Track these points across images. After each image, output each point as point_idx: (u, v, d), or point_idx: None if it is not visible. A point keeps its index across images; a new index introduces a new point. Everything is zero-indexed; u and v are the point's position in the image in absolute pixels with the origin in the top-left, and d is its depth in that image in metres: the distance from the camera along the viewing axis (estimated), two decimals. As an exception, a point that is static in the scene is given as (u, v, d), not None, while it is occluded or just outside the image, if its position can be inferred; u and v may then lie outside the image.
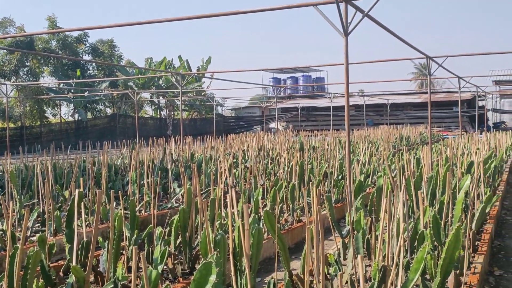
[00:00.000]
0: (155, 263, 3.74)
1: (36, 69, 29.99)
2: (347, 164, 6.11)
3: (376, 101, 36.14)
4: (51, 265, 4.02)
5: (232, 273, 3.04)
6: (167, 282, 4.09)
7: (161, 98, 36.04)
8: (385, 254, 3.51)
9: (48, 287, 3.64)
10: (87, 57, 32.52)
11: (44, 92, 30.21)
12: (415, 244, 3.97)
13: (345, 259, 4.36)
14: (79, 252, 3.95)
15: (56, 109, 32.86)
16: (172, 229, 4.47)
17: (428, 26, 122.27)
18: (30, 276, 2.99)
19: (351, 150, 8.48)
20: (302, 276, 3.59)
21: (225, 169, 6.52)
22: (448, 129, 32.77)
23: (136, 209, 5.01)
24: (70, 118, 32.89)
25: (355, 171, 6.94)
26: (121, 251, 4.11)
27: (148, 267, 3.53)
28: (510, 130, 17.19)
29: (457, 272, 3.54)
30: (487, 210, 5.29)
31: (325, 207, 5.25)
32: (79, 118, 30.77)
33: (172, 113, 36.62)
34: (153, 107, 38.79)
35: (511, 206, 7.86)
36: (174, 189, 7.56)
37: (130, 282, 3.53)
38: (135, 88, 32.61)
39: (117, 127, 30.85)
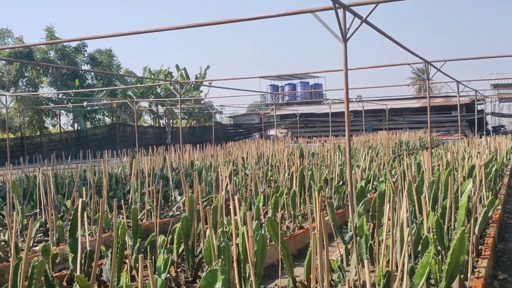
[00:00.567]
0: (158, 271, 3.74)
1: (35, 79, 30.06)
2: (348, 169, 6.11)
3: (374, 106, 36.20)
4: (54, 275, 4.01)
5: (237, 281, 3.04)
6: (171, 290, 4.08)
7: (159, 106, 36.07)
8: (389, 260, 3.51)
9: (52, 297, 3.63)
10: (85, 67, 32.60)
11: (44, 102, 30.26)
12: (419, 249, 3.97)
13: (348, 265, 4.35)
14: (82, 261, 3.94)
15: (55, 119, 32.91)
16: (175, 237, 4.47)
17: (426, 30, 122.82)
18: (35, 286, 2.98)
19: (351, 156, 8.48)
20: (306, 282, 3.58)
21: (225, 177, 6.52)
22: (448, 133, 32.81)
23: (138, 217, 5.00)
24: (70, 128, 32.94)
25: (356, 176, 6.95)
26: (124, 259, 4.10)
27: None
28: (510, 134, 17.21)
29: (462, 276, 3.53)
30: (489, 214, 5.28)
31: (326, 213, 5.25)
32: (79, 128, 30.80)
33: (171, 121, 36.65)
34: (152, 116, 38.83)
35: (513, 210, 7.85)
36: (175, 197, 7.55)
37: (134, 291, 3.51)
38: (134, 97, 32.66)
39: (116, 136, 30.85)
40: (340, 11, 5.89)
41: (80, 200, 3.76)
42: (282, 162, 8.84)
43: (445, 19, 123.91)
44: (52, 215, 5.46)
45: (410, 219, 3.87)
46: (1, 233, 5.52)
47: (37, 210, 6.47)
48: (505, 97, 35.43)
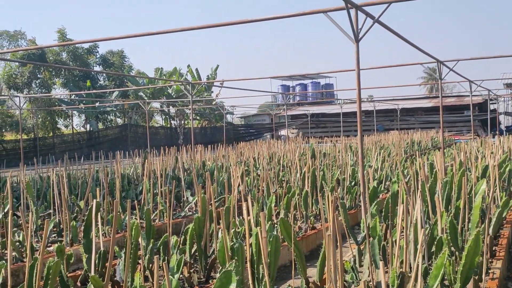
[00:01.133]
0: (171, 271, 3.75)
1: (48, 81, 30.35)
2: (360, 170, 6.09)
3: (386, 106, 36.01)
4: (68, 275, 4.05)
5: (250, 281, 3.04)
6: (184, 291, 4.09)
7: (171, 107, 36.22)
8: (402, 260, 3.49)
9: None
10: (97, 68, 32.84)
11: (56, 103, 30.54)
12: (432, 250, 3.94)
13: (361, 266, 4.33)
14: (96, 261, 3.97)
15: (68, 120, 33.20)
16: (187, 237, 4.48)
17: (438, 29, 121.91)
18: (51, 286, 3.01)
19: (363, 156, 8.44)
20: (319, 283, 3.58)
21: (237, 177, 6.53)
22: (460, 133, 32.53)
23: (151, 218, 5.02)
24: (82, 129, 33.19)
25: (368, 177, 6.92)
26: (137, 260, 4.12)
27: (164, 276, 3.54)
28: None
29: (476, 278, 3.50)
30: (504, 215, 5.24)
31: (339, 213, 5.23)
32: (91, 129, 31.04)
33: (183, 122, 36.78)
34: (164, 117, 39.00)
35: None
36: (187, 198, 7.57)
37: (147, 291, 3.53)
38: (146, 98, 32.84)
39: (128, 137, 31.04)
40: (352, 11, 5.87)
41: (94, 201, 3.79)
42: (294, 163, 8.82)
43: (458, 18, 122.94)
44: (66, 216, 5.51)
45: (423, 220, 3.85)
46: (16, 234, 5.58)
47: (51, 211, 6.53)
48: (518, 96, 35.04)
